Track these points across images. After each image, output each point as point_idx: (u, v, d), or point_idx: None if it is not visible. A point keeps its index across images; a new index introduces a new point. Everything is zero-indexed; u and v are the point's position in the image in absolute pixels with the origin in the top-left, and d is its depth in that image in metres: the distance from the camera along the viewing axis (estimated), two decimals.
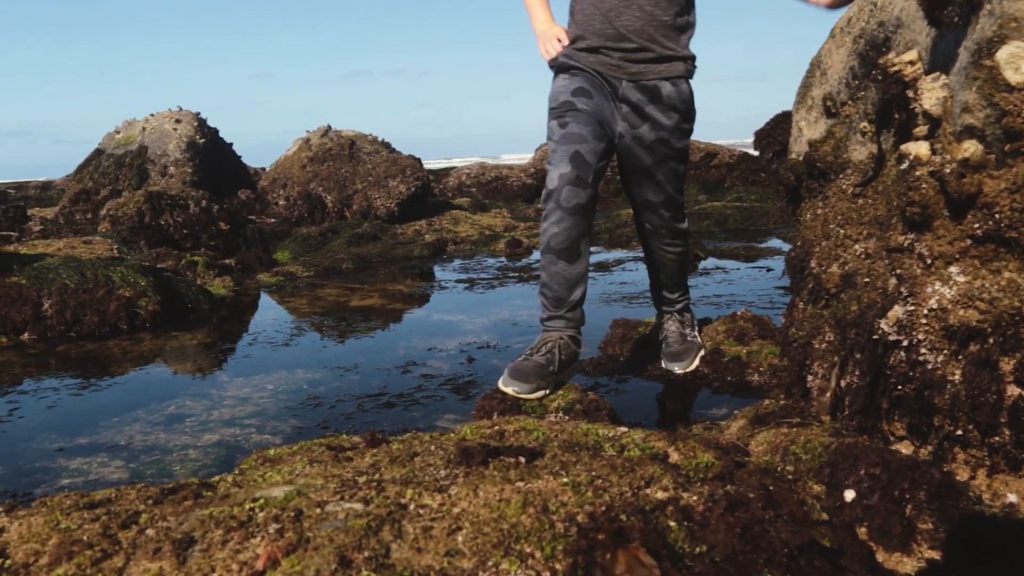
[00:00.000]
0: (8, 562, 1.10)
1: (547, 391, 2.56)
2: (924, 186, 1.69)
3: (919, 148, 1.69)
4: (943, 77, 1.73)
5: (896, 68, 1.78)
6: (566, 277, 2.59)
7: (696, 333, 3.28)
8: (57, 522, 1.19)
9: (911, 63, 1.76)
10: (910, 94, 1.74)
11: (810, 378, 2.49)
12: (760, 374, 3.17)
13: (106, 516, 1.18)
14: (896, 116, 1.98)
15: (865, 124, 2.20)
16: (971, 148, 1.63)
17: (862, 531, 1.78)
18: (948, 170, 1.67)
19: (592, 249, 7.61)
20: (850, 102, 2.31)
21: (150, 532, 1.12)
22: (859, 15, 2.37)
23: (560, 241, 2.55)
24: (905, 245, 1.85)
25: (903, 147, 1.76)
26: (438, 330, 4.35)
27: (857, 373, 2.17)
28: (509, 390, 2.49)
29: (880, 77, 1.88)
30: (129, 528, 1.15)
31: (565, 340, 2.62)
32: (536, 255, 7.35)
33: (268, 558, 0.99)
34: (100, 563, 1.06)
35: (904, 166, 1.78)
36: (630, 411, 2.88)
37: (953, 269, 1.78)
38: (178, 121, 10.34)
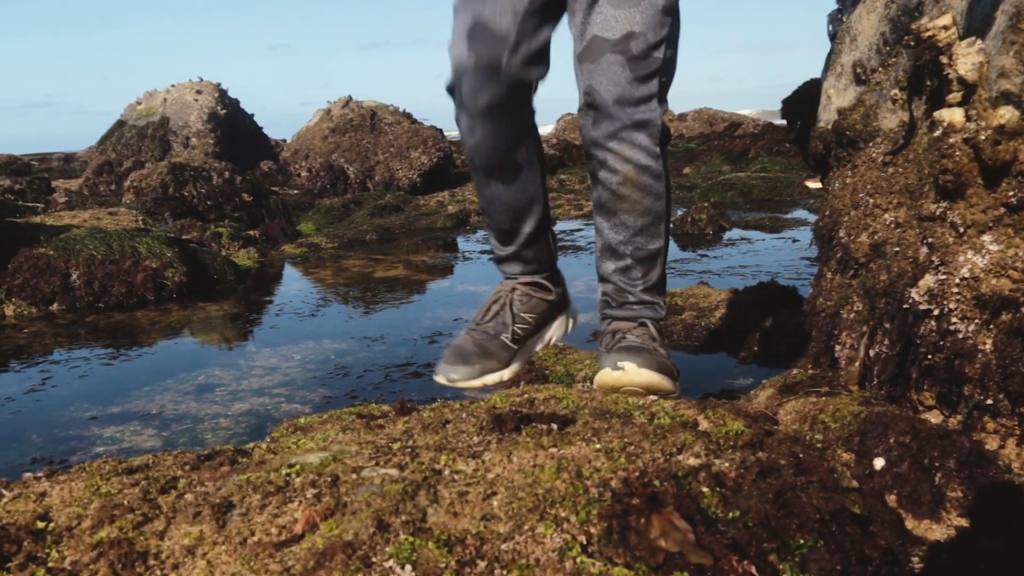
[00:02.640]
0: (51, 525, 1.12)
1: (502, 372, 1.93)
2: (958, 154, 1.67)
3: (953, 115, 1.67)
4: (979, 42, 1.70)
5: (930, 33, 1.75)
6: (506, 203, 1.88)
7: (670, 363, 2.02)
8: (97, 487, 1.21)
9: (945, 28, 1.73)
10: (944, 60, 1.72)
11: (838, 348, 2.48)
12: (787, 344, 3.16)
13: (145, 481, 1.21)
14: (928, 83, 1.95)
15: (896, 91, 2.17)
16: (1007, 115, 1.61)
17: (891, 499, 1.78)
18: (983, 137, 1.65)
19: None
20: (881, 69, 2.28)
21: (189, 497, 1.14)
22: None
23: (483, 156, 1.81)
24: (937, 214, 1.84)
25: (936, 114, 1.74)
26: (463, 300, 4.36)
27: (886, 343, 2.16)
28: (442, 378, 1.89)
29: (912, 43, 1.85)
30: (168, 493, 1.17)
31: (522, 292, 1.99)
32: (562, 225, 7.33)
33: (307, 522, 1.00)
34: (141, 526, 1.08)
35: (937, 133, 1.76)
36: None
37: (986, 238, 1.77)
38: (199, 92, 10.36)
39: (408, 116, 9.97)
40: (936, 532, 1.75)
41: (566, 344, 2.96)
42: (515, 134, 1.80)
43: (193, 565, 0.98)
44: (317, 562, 0.92)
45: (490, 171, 1.86)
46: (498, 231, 1.97)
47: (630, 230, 1.91)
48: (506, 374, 1.92)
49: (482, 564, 0.92)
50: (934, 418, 2.09)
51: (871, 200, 2.26)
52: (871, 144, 2.31)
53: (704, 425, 1.58)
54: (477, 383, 1.88)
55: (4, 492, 1.24)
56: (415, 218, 7.65)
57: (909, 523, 1.77)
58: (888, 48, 2.25)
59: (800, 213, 7.35)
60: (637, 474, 1.09)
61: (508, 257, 2.00)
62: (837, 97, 2.49)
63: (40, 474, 1.31)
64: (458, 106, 1.78)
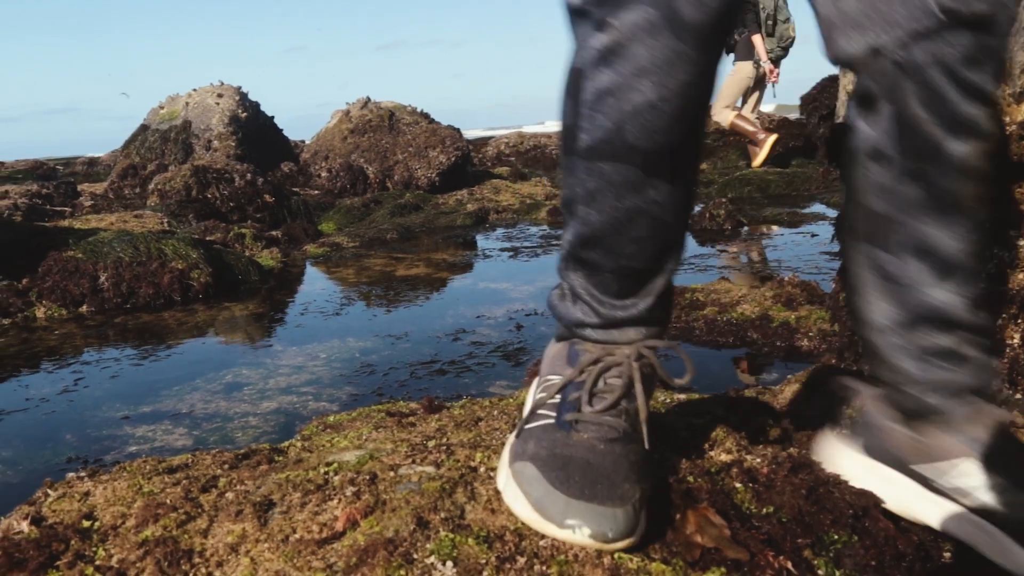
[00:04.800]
0: (97, 524, 1.15)
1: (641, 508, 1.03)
2: None
3: None
4: None
5: None
6: (658, 219, 1.10)
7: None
8: (140, 486, 1.24)
9: None
10: None
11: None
12: (809, 339, 3.16)
13: (186, 480, 1.23)
14: None
15: None
16: None
17: None
18: (1009, 132, 1.65)
19: None
20: None
21: (230, 495, 1.17)
22: None
23: (661, 124, 1.01)
24: None
25: None
26: (485, 298, 4.38)
27: None
28: (573, 536, 0.97)
29: None
30: (209, 492, 1.19)
31: (649, 361, 1.20)
32: None
33: (347, 519, 1.02)
34: (185, 525, 1.10)
35: None
36: (678, 376, 2.90)
37: (1012, 233, 1.77)
38: (220, 95, 10.44)
39: (426, 116, 10.01)
40: None
41: None
42: (707, 87, 1.04)
43: (237, 563, 1.01)
44: (359, 559, 0.94)
45: (660, 157, 1.04)
46: (623, 273, 1.15)
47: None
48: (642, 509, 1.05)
49: (522, 560, 0.94)
50: None
51: None
52: None
53: (732, 421, 1.60)
54: (627, 543, 0.99)
55: (49, 492, 1.27)
56: (434, 217, 7.68)
57: None
58: None
59: (818, 208, 7.33)
60: (671, 470, 1.11)
61: (635, 318, 1.18)
62: None
63: (83, 473, 1.33)
64: (633, 35, 0.97)
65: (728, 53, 9.54)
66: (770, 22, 9.22)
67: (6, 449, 2.62)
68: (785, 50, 9.44)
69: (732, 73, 9.51)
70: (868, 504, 1.30)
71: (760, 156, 9.53)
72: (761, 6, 9.14)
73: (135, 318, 4.35)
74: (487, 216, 7.88)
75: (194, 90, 10.75)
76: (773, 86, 9.52)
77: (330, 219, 7.68)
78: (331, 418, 2.02)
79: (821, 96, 9.43)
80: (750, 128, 9.50)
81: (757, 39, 9.16)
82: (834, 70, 2.60)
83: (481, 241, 6.60)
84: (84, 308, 4.53)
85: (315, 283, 5.23)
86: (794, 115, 14.74)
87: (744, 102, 9.76)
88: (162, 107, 10.88)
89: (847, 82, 2.51)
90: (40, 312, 4.45)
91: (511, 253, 5.82)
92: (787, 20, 9.32)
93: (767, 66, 9.27)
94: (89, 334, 4.06)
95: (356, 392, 2.98)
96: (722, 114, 9.51)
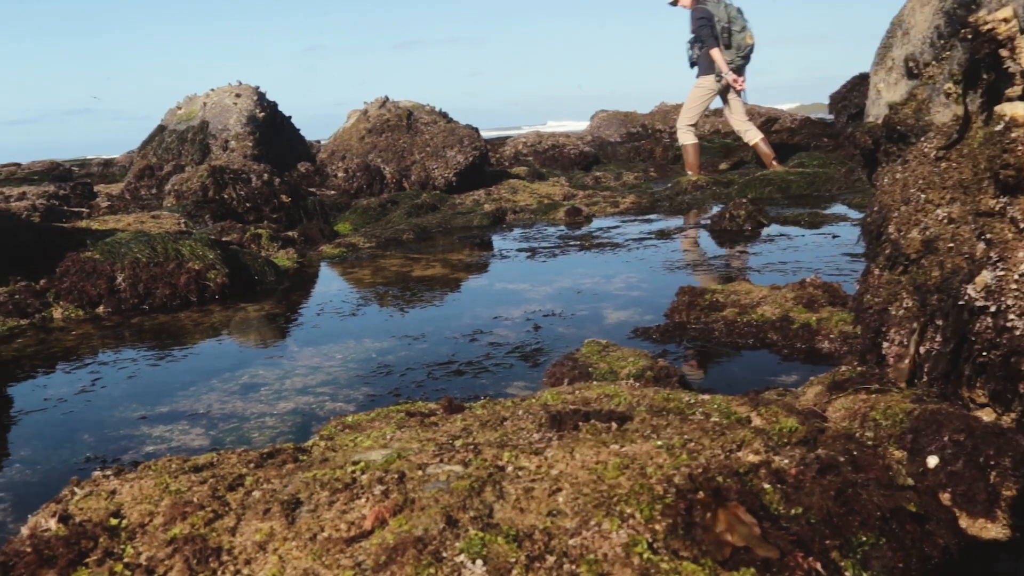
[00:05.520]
0: (125, 522, 1.15)
1: None
2: (1020, 148, 1.65)
3: (1015, 109, 1.65)
4: None
5: (989, 26, 1.73)
6: None
7: None
8: (166, 484, 1.23)
9: (1006, 20, 1.71)
10: (1004, 53, 1.69)
11: (886, 345, 2.46)
12: (831, 341, 3.13)
13: (212, 479, 1.23)
14: (985, 76, 1.93)
15: (950, 85, 2.15)
16: None
17: (945, 497, 1.77)
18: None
19: (651, 217, 7.57)
20: (934, 63, 2.25)
21: (256, 494, 1.16)
22: None
23: None
24: (996, 209, 1.81)
25: (998, 108, 1.72)
26: (502, 299, 4.37)
27: (938, 339, 2.14)
28: None
29: (970, 36, 1.83)
30: (236, 490, 1.19)
31: None
32: (598, 223, 7.31)
33: (376, 518, 1.01)
34: (212, 523, 1.10)
35: (999, 128, 1.74)
36: (700, 377, 2.88)
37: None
38: (238, 96, 10.47)
39: (444, 115, 10.01)
40: (991, 531, 1.73)
41: (608, 341, 2.95)
42: None
43: (265, 560, 1.00)
44: (389, 557, 0.93)
45: None
46: None
47: None
48: None
49: (551, 559, 0.93)
50: (986, 416, 2.06)
51: (923, 195, 2.24)
52: (923, 139, 2.28)
53: (757, 422, 1.58)
54: None
55: (76, 490, 1.27)
56: (451, 217, 7.68)
57: (964, 521, 1.76)
58: (943, 41, 2.22)
59: (839, 208, 7.28)
60: (700, 470, 1.09)
61: None
62: (888, 91, 2.47)
63: (109, 472, 1.33)
64: None
65: (692, 67, 9.84)
66: (726, 34, 9.42)
67: (25, 448, 2.63)
68: (746, 58, 9.64)
69: (695, 88, 9.77)
70: (895, 506, 1.28)
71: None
72: (716, 19, 9.34)
73: (152, 318, 4.36)
74: (504, 216, 7.87)
75: (212, 90, 10.79)
76: (740, 94, 9.73)
77: (346, 219, 7.69)
78: (349, 418, 2.01)
79: (851, 95, 9.40)
80: (767, 151, 9.77)
81: (716, 53, 9.38)
82: (864, 68, 2.59)
83: (498, 241, 6.59)
84: (101, 309, 4.54)
85: (331, 283, 5.24)
86: (817, 114, 14.63)
87: (727, 112, 10.05)
88: (179, 107, 10.92)
89: (878, 80, 2.49)
90: (57, 313, 4.46)
91: (528, 254, 5.81)
92: (743, 29, 9.50)
93: (729, 77, 9.48)
94: (106, 334, 4.07)
95: (373, 392, 2.97)
96: (685, 133, 9.82)
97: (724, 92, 9.76)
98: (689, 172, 9.91)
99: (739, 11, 9.48)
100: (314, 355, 3.49)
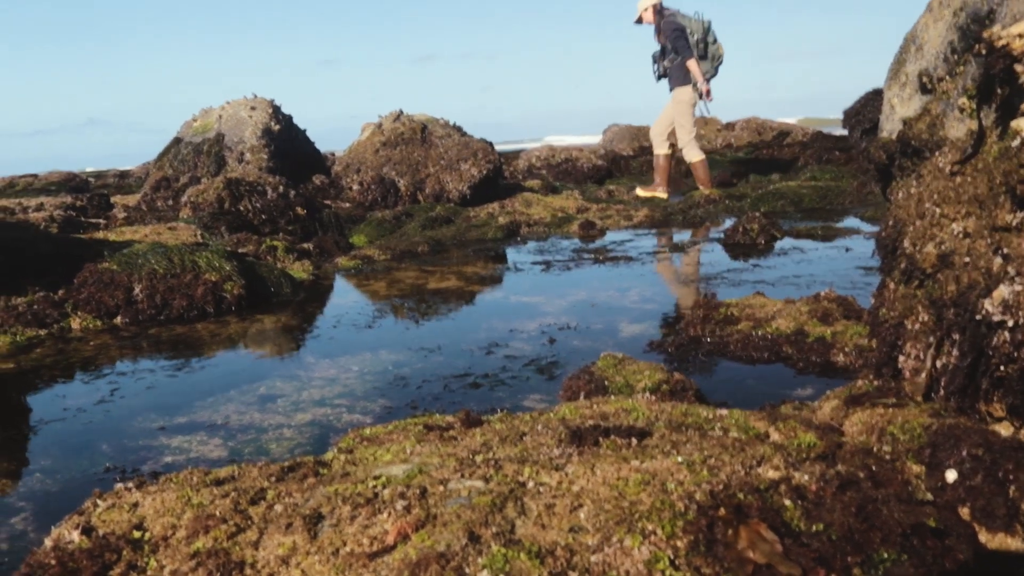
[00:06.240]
0: (147, 535, 1.16)
1: None
2: None
3: None
4: None
5: (1003, 42, 1.73)
6: None
7: None
8: (188, 497, 1.24)
9: (1020, 36, 1.71)
10: (1019, 68, 1.70)
11: (902, 359, 2.46)
12: (846, 354, 3.13)
13: (234, 492, 1.24)
14: (999, 91, 1.93)
15: (964, 100, 2.15)
16: None
17: (964, 511, 1.76)
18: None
19: (665, 230, 7.57)
20: (948, 78, 2.26)
21: (278, 508, 1.17)
22: None
23: None
24: (1013, 224, 1.81)
25: (1014, 123, 1.72)
26: (517, 312, 4.38)
27: (955, 354, 2.13)
28: None
29: (984, 51, 1.84)
30: (258, 504, 1.20)
31: None
32: (612, 236, 7.32)
33: (398, 533, 1.02)
34: (235, 537, 1.11)
35: (1015, 143, 1.74)
36: (715, 391, 2.88)
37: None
38: (253, 108, 10.54)
39: (458, 129, 10.05)
40: (1011, 545, 1.72)
41: (623, 354, 2.96)
42: None
43: (288, 574, 1.01)
44: (411, 572, 0.94)
45: None
46: None
47: None
48: None
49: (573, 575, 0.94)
50: (1004, 430, 2.05)
51: (938, 210, 2.24)
52: (937, 153, 2.29)
53: (775, 437, 1.58)
54: None
55: (99, 502, 1.28)
56: (465, 230, 7.70)
57: (983, 536, 1.75)
58: (956, 56, 2.23)
59: (852, 222, 7.26)
60: (721, 487, 1.10)
61: None
62: (901, 107, 2.47)
63: (131, 484, 1.35)
64: None
65: (659, 80, 10.02)
66: (701, 45, 9.62)
67: (45, 458, 2.65)
68: (717, 69, 9.85)
69: (677, 102, 9.88)
70: (916, 522, 1.28)
71: (653, 193, 10.08)
72: (690, 31, 9.53)
73: (169, 329, 4.39)
74: (518, 229, 7.89)
75: (227, 103, 10.87)
76: (707, 104, 9.92)
77: (361, 232, 7.72)
78: (368, 431, 2.02)
79: (864, 110, 9.40)
80: (661, 176, 10.14)
81: (692, 63, 9.53)
82: (878, 83, 2.60)
83: (512, 254, 6.60)
84: (118, 319, 4.58)
85: (347, 295, 5.26)
86: (828, 128, 14.67)
87: (663, 116, 10.16)
88: (195, 120, 11.00)
89: (892, 95, 2.50)
90: (75, 323, 4.50)
91: (543, 267, 5.82)
92: (715, 41, 9.74)
93: (704, 87, 9.64)
94: (124, 345, 4.10)
95: (390, 405, 2.98)
96: (691, 150, 9.96)
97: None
98: (701, 187, 9.98)
99: (710, 23, 9.72)
100: (330, 367, 3.51)
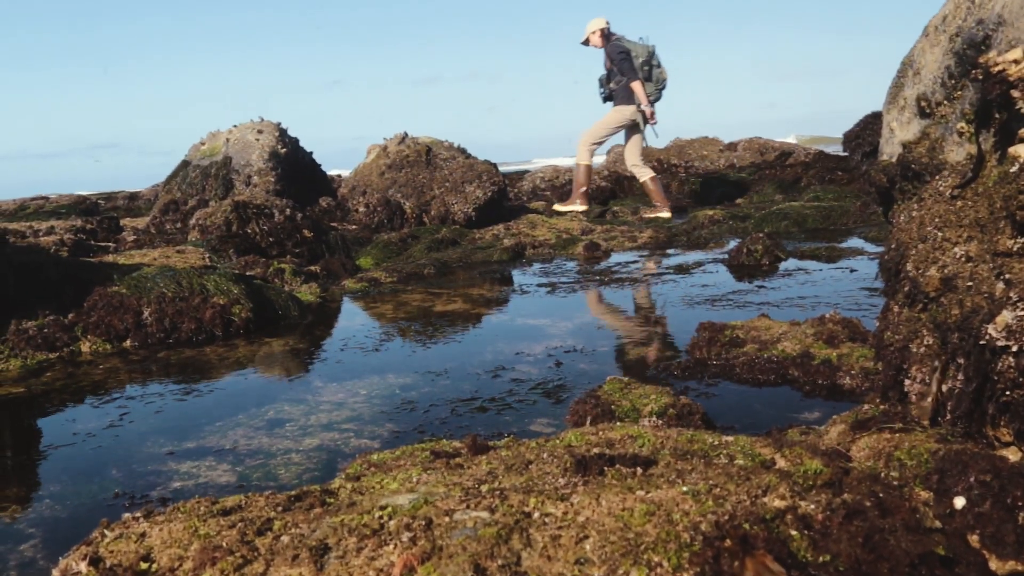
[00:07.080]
0: (154, 566, 1.17)
1: None
2: None
3: None
4: None
5: (999, 67, 1.75)
6: None
7: None
8: (195, 528, 1.25)
9: (1016, 62, 1.73)
10: (1016, 94, 1.71)
11: (908, 382, 2.46)
12: (852, 377, 3.13)
13: (241, 523, 1.25)
14: (997, 116, 1.95)
15: (963, 124, 2.17)
16: None
17: (973, 539, 1.76)
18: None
19: (670, 251, 7.58)
20: (946, 102, 2.27)
21: (285, 539, 1.18)
22: (955, 13, 2.33)
23: None
24: (1015, 249, 1.83)
25: (1011, 150, 1.73)
26: (524, 334, 4.39)
27: (960, 378, 2.14)
28: None
29: (981, 77, 1.86)
30: (264, 535, 1.21)
31: None
32: (616, 257, 7.34)
33: (404, 565, 1.03)
34: (242, 568, 1.12)
35: (1014, 169, 1.75)
36: (722, 415, 2.88)
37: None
38: (260, 132, 10.62)
39: (463, 151, 10.10)
40: (1022, 572, 1.72)
41: (629, 378, 2.97)
42: None
43: None
44: None
45: None
46: None
47: None
48: None
49: None
50: (1012, 455, 2.05)
51: (939, 233, 2.25)
52: (937, 177, 2.30)
53: (781, 464, 1.59)
54: None
55: (106, 532, 1.29)
56: (471, 252, 7.73)
57: (993, 564, 1.75)
58: (953, 81, 2.24)
59: (856, 242, 7.27)
60: (726, 517, 1.11)
61: None
62: (901, 130, 2.49)
63: (139, 514, 1.36)
64: None
65: (605, 102, 10.27)
66: (646, 68, 9.91)
67: (54, 484, 2.67)
68: (660, 92, 10.13)
69: (614, 111, 10.09)
70: (924, 551, 1.28)
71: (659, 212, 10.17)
72: (634, 54, 9.81)
73: (177, 353, 4.41)
74: (523, 251, 7.91)
75: (235, 126, 10.95)
76: (653, 127, 10.16)
77: (368, 254, 7.75)
78: (375, 456, 2.03)
79: (864, 132, 9.43)
80: (655, 190, 10.27)
81: (637, 85, 9.79)
82: (877, 106, 2.62)
83: (518, 276, 6.62)
84: (128, 343, 4.60)
85: (354, 318, 5.27)
86: (827, 147, 14.73)
87: (627, 144, 10.41)
88: (203, 143, 11.08)
89: (891, 119, 2.51)
90: (85, 346, 4.52)
91: (548, 289, 5.83)
92: (659, 65, 10.03)
93: (648, 109, 9.90)
94: (133, 368, 4.12)
95: (397, 429, 2.99)
96: (584, 154, 10.26)
97: (631, 128, 10.16)
98: (577, 202, 10.37)
99: (654, 48, 10.01)
100: (338, 391, 3.52)
